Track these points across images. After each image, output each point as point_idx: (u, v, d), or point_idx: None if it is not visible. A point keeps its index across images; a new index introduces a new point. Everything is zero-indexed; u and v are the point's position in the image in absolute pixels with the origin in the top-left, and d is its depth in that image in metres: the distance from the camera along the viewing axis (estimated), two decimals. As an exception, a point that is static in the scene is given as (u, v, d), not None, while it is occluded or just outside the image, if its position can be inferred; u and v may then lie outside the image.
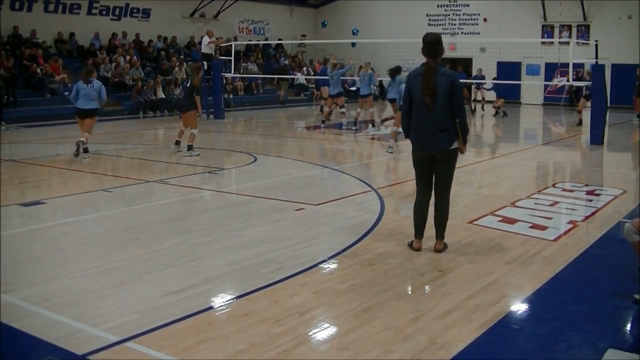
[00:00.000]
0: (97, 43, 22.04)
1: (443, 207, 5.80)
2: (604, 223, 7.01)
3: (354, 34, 24.08)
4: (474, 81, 21.73)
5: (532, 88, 25.62)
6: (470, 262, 5.52)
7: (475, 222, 6.86)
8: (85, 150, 11.34)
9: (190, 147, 11.65)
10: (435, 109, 5.47)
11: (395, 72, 13.45)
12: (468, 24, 28.19)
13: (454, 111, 5.51)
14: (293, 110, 23.83)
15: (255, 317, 4.27)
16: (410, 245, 5.87)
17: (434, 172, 5.73)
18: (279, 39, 27.94)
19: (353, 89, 27.75)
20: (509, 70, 24.58)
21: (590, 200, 8.32)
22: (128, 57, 21.66)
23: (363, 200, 8.05)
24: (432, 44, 5.52)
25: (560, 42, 23.34)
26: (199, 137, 12.87)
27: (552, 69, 24.50)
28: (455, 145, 5.58)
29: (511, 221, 6.93)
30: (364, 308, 4.44)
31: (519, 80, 25.26)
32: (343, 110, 16.76)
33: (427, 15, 28.95)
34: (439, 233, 5.84)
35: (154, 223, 6.89)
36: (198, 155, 11.60)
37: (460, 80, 6.07)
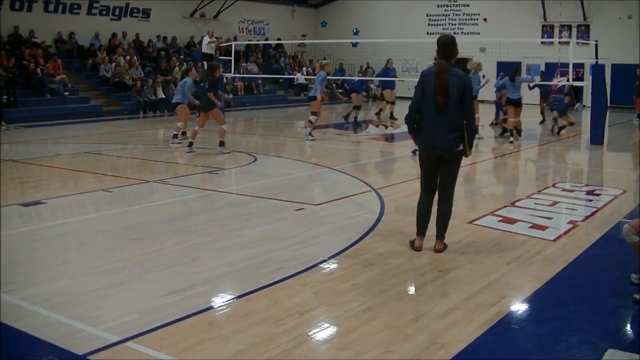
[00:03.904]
0: (97, 43, 22.04)
1: (446, 208, 5.81)
2: (604, 223, 7.02)
3: (354, 34, 24.09)
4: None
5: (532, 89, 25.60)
6: (470, 262, 5.52)
7: (475, 222, 6.86)
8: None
9: (222, 144, 11.93)
10: (447, 110, 5.51)
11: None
12: (468, 24, 28.19)
13: (463, 113, 5.54)
14: (293, 110, 23.83)
15: (255, 317, 4.27)
16: (412, 243, 5.87)
17: (439, 173, 5.75)
18: (278, 39, 27.95)
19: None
20: (508, 70, 24.57)
21: (590, 200, 8.32)
22: (128, 57, 21.66)
23: (363, 200, 8.05)
24: (446, 46, 5.61)
25: (560, 42, 23.34)
26: (200, 137, 12.84)
27: (552, 69, 24.49)
28: (461, 147, 5.60)
29: (511, 221, 6.93)
30: (364, 308, 4.44)
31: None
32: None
33: (427, 15, 28.96)
34: (439, 233, 5.84)
35: (154, 223, 6.89)
36: (229, 152, 11.83)
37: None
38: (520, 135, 14.45)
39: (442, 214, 5.81)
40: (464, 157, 5.78)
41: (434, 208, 5.88)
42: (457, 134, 5.55)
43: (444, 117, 5.53)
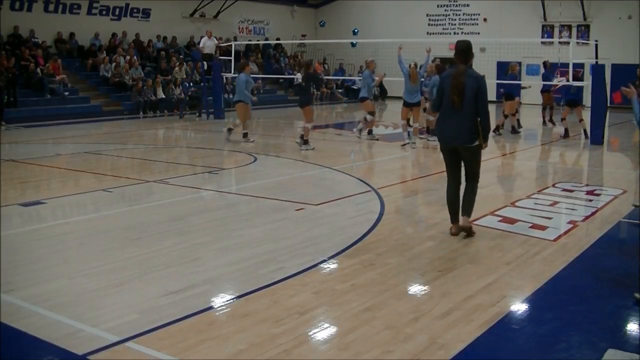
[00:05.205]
0: (97, 43, 22.04)
1: (471, 187, 6.33)
2: (604, 223, 7.02)
3: (354, 34, 24.09)
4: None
5: (532, 88, 25.61)
6: (470, 262, 5.53)
7: (475, 222, 6.85)
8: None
9: (306, 141, 12.38)
10: (462, 108, 6.04)
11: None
12: (468, 24, 28.18)
13: (478, 111, 6.06)
14: (293, 110, 23.79)
15: (255, 317, 4.27)
16: (450, 230, 6.31)
17: (463, 163, 6.32)
18: (278, 39, 27.94)
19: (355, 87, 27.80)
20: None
21: (590, 200, 8.32)
22: (128, 57, 21.66)
23: (363, 200, 8.04)
24: (464, 51, 6.17)
25: (560, 42, 23.34)
26: (200, 137, 12.90)
27: (552, 69, 24.50)
28: (476, 142, 6.11)
29: (511, 221, 6.93)
30: (364, 308, 4.44)
31: (519, 80, 25.24)
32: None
33: (427, 15, 28.97)
34: (464, 210, 6.28)
35: (154, 223, 6.89)
36: (313, 149, 12.20)
37: None
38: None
39: (466, 194, 6.31)
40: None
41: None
42: (471, 130, 6.05)
43: (460, 114, 6.06)
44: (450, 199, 6.37)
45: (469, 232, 6.23)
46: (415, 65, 12.88)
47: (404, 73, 12.89)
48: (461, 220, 6.27)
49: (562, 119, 15.25)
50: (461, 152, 6.22)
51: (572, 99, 14.94)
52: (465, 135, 6.07)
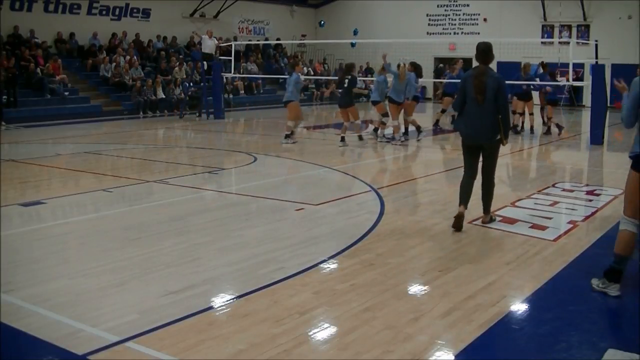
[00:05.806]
0: (97, 43, 22.04)
1: (489, 186, 6.68)
2: (604, 223, 7.01)
3: (355, 34, 24.10)
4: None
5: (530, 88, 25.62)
6: (470, 262, 5.53)
7: (475, 222, 6.86)
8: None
9: (360, 137, 13.34)
10: (484, 106, 6.34)
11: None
12: (468, 24, 28.19)
13: (498, 109, 6.34)
14: (293, 110, 23.77)
15: (255, 317, 4.27)
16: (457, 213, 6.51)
17: (482, 158, 6.63)
18: (278, 39, 27.94)
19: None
20: (508, 70, 24.55)
21: (590, 200, 8.32)
22: (128, 57, 21.66)
23: (363, 200, 8.04)
24: (485, 52, 6.50)
25: (560, 42, 23.35)
26: (200, 137, 12.85)
27: (551, 69, 24.49)
28: (497, 137, 6.42)
29: (511, 221, 6.93)
30: (364, 308, 4.44)
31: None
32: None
33: (427, 15, 28.97)
34: (485, 208, 6.74)
35: (154, 223, 6.89)
36: (364, 140, 13.22)
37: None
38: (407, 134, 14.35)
39: (487, 191, 6.68)
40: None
41: (474, 191, 6.65)
42: (493, 126, 6.35)
43: (482, 113, 6.35)
44: (465, 188, 6.61)
45: (490, 221, 6.79)
46: (404, 65, 13.46)
47: (393, 74, 13.39)
48: (483, 217, 6.76)
49: (549, 118, 15.73)
50: (484, 148, 6.54)
51: (552, 98, 15.76)
52: (488, 131, 6.39)
